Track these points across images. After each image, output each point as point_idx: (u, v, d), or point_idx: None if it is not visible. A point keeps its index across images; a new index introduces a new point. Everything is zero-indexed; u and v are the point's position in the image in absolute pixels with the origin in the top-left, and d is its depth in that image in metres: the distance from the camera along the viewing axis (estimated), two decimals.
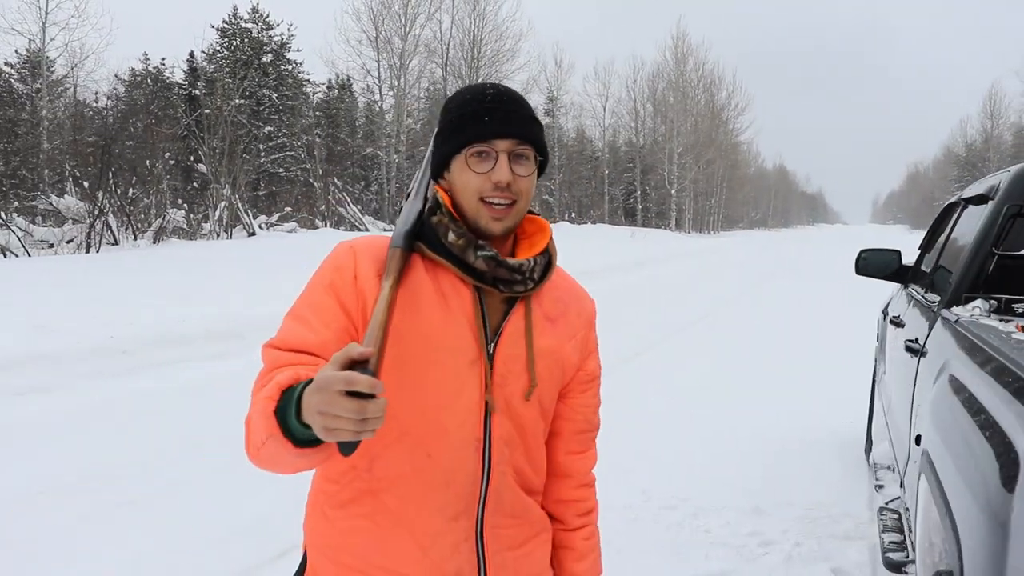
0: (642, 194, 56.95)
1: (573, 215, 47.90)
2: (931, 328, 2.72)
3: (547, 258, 1.49)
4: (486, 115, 1.38)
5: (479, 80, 31.73)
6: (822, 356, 8.94)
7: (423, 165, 1.51)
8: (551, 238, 1.50)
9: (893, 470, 4.22)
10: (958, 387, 1.96)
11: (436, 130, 1.46)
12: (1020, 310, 2.54)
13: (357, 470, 1.42)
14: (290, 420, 1.18)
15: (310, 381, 1.13)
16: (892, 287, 5.66)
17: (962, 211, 3.51)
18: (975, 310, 2.49)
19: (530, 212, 1.49)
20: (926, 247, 4.42)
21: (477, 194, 1.38)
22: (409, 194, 1.50)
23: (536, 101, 46.56)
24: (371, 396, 1.06)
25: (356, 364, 1.10)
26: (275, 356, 1.35)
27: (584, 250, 22.02)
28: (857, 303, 14.18)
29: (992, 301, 2.53)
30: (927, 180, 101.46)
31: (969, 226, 3.28)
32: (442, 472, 1.41)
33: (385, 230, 25.20)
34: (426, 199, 1.45)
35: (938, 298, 3.06)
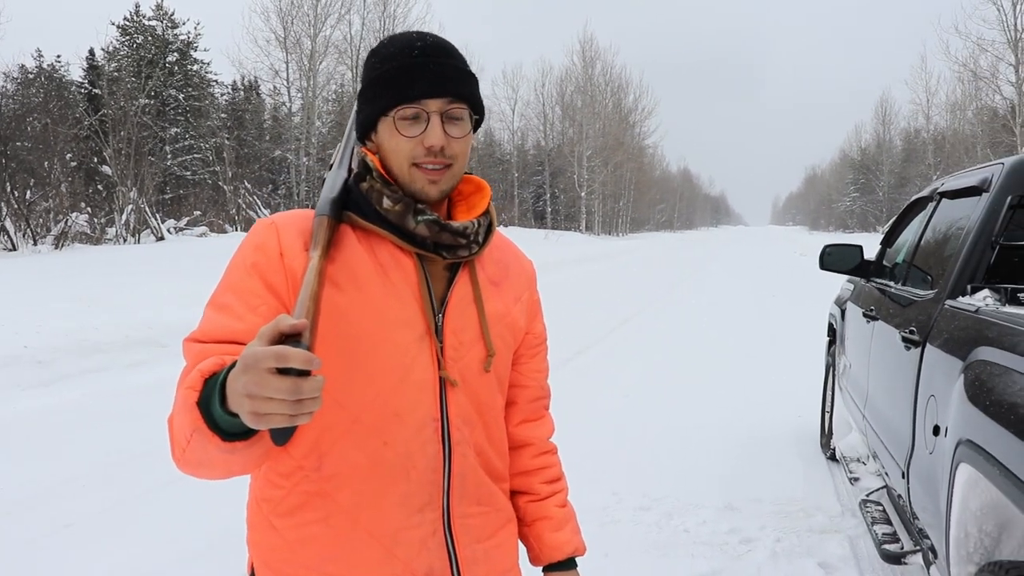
0: (551, 197, 57.29)
1: None
2: (933, 319, 2.71)
3: (488, 219, 1.38)
4: (414, 71, 1.25)
5: None
6: (755, 351, 9.10)
7: (347, 132, 1.39)
8: (490, 198, 1.40)
9: (865, 462, 4.27)
10: (1002, 374, 1.93)
11: (359, 88, 1.32)
12: None
13: (304, 470, 1.27)
14: (215, 409, 1.03)
15: (235, 364, 0.98)
16: (833, 283, 5.76)
17: (937, 205, 3.55)
18: (987, 300, 2.48)
19: (465, 172, 1.38)
20: (887, 242, 4.48)
21: (409, 160, 1.27)
22: (332, 164, 1.37)
23: None
24: (306, 373, 0.93)
25: (287, 338, 0.97)
26: (198, 350, 1.19)
27: None
28: (772, 298, 14.61)
29: (1000, 291, 2.53)
30: (824, 183, 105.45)
31: (949, 219, 3.32)
32: (400, 459, 1.28)
33: None
34: (351, 167, 1.32)
35: (927, 291, 3.07)
